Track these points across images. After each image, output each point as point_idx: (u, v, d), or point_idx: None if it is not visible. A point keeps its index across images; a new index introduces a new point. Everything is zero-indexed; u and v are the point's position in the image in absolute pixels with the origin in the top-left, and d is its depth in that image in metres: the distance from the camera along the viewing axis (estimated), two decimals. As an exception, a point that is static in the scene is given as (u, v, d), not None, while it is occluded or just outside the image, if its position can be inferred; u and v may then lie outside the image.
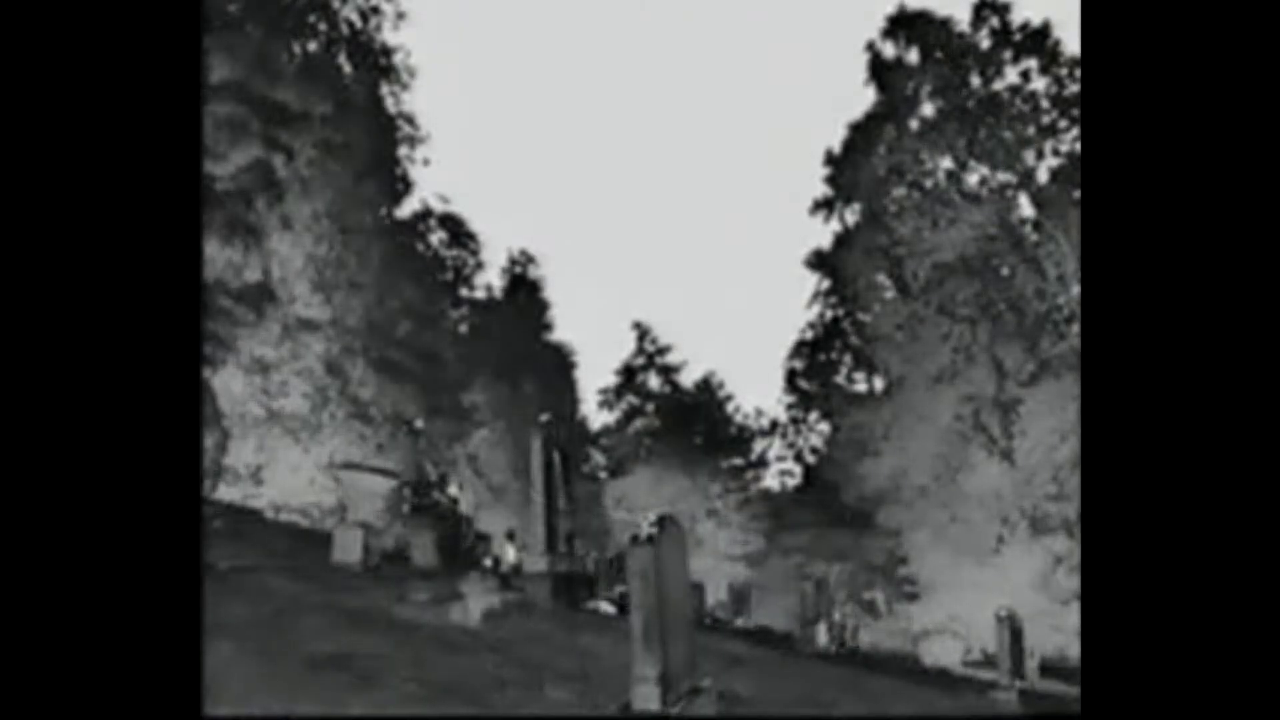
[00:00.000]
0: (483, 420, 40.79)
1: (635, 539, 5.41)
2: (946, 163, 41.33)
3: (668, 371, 53.55)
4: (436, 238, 47.29)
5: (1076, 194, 34.64)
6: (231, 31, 29.15)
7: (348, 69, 37.32)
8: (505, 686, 7.07)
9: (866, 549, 37.41)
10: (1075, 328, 33.72)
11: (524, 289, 51.40)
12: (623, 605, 15.43)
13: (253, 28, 31.75)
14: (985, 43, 41.11)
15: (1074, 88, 38.17)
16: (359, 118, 35.06)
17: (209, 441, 22.60)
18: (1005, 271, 38.31)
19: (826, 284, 43.09)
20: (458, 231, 48.25)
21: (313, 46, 36.71)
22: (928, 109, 41.44)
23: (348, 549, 15.68)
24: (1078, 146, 36.39)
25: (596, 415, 53.86)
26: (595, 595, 16.29)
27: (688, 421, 52.07)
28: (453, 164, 74.61)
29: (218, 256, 27.47)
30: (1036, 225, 38.59)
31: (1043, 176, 40.13)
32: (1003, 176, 40.71)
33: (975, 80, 40.96)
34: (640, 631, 5.35)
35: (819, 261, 42.54)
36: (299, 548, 17.00)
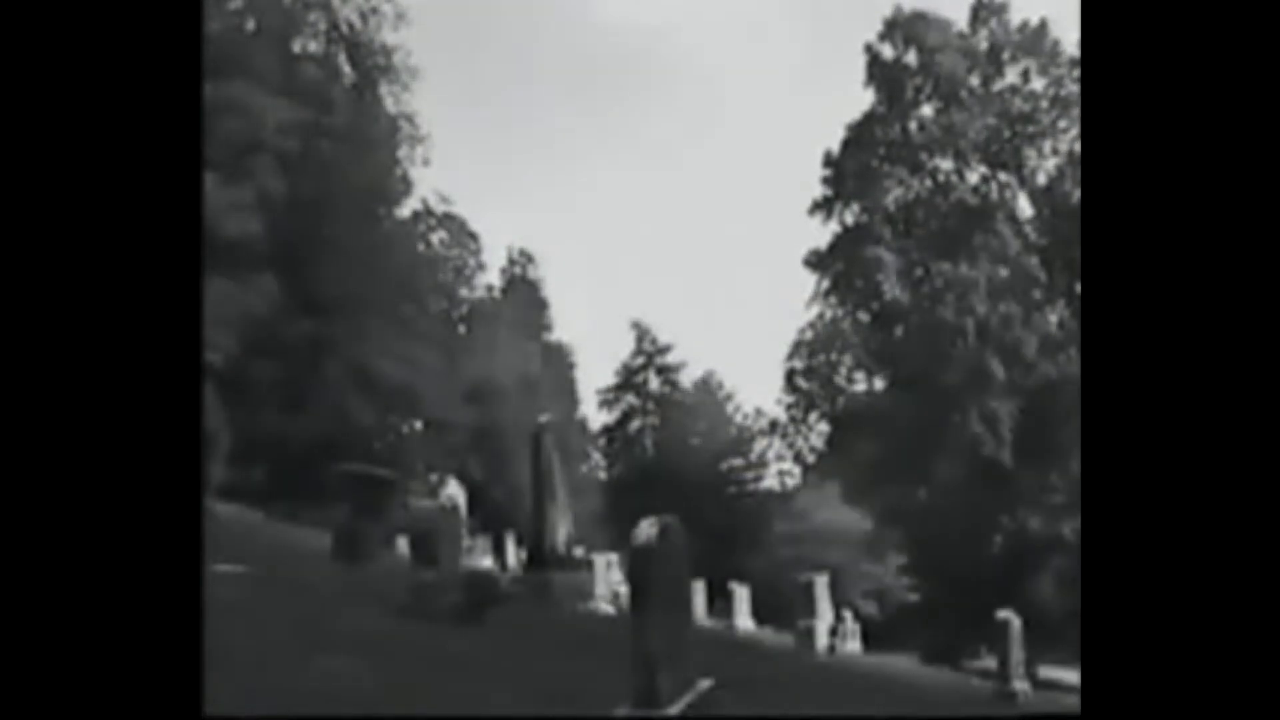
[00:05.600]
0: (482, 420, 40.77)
1: (635, 540, 5.40)
2: (947, 163, 41.32)
3: (667, 371, 53.50)
4: (437, 238, 47.31)
5: (1077, 193, 34.62)
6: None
7: (347, 69, 37.32)
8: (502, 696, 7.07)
9: (866, 549, 37.39)
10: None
11: (523, 288, 51.41)
12: (621, 606, 15.42)
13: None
14: (983, 43, 41.12)
15: (1073, 87, 38.15)
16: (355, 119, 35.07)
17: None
18: (1005, 273, 38.28)
19: (826, 284, 42.99)
20: (458, 231, 48.28)
21: (313, 46, 36.73)
22: (927, 109, 41.43)
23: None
24: (1077, 146, 36.36)
25: (596, 415, 53.90)
26: (594, 596, 16.27)
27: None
28: (453, 164, 74.48)
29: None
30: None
31: (1042, 177, 40.15)
32: (1002, 176, 40.74)
33: (974, 80, 40.96)
34: (639, 632, 5.34)
35: (819, 261, 42.44)
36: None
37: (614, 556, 18.30)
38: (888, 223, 41.91)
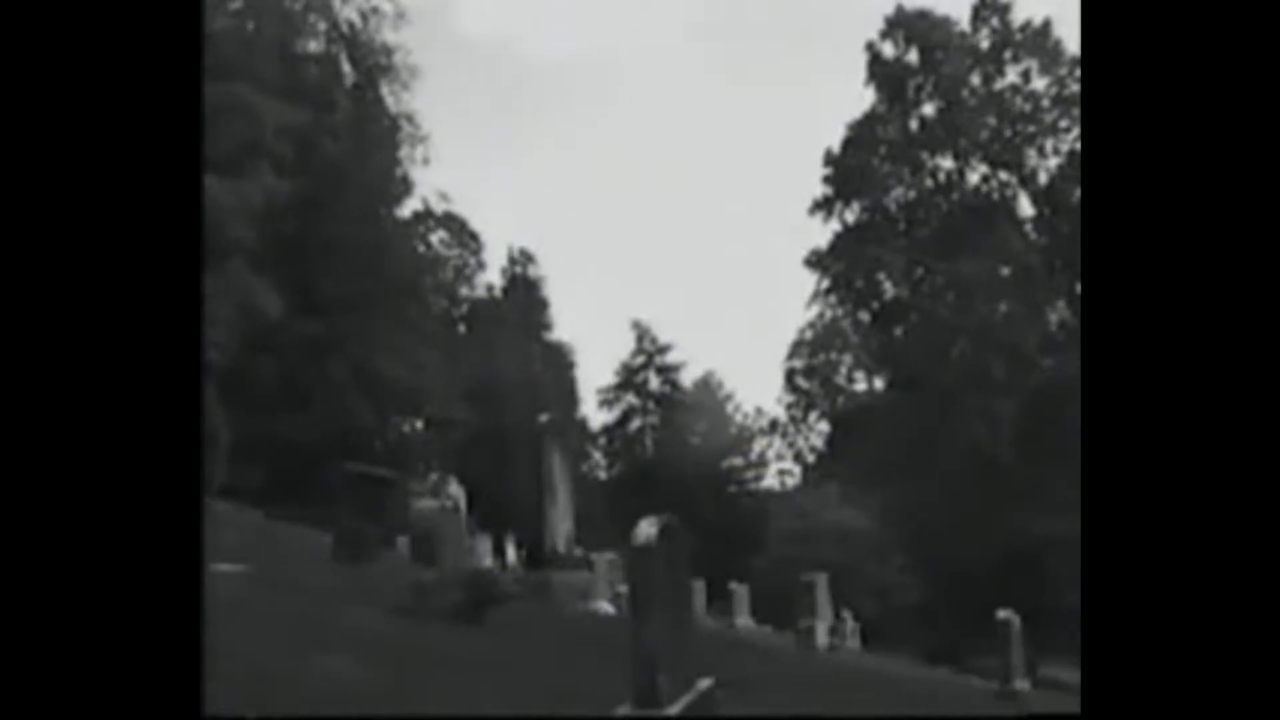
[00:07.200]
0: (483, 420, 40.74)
1: (635, 540, 5.39)
2: (948, 162, 41.29)
3: (667, 371, 53.48)
4: (437, 237, 47.31)
5: (1078, 193, 34.59)
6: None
7: (348, 69, 37.34)
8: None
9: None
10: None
11: (523, 288, 51.36)
12: (621, 606, 15.42)
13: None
14: (985, 42, 41.09)
15: (1075, 87, 38.12)
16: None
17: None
18: (1006, 272, 38.25)
19: (826, 284, 42.99)
20: (458, 231, 48.26)
21: (313, 46, 36.74)
22: (928, 109, 41.40)
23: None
24: (1078, 146, 36.34)
25: (596, 415, 53.90)
26: (594, 596, 16.27)
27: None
28: (453, 164, 74.30)
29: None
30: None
31: (1043, 176, 40.11)
32: (1004, 175, 40.71)
33: (975, 79, 40.93)
34: (639, 632, 5.34)
35: (819, 261, 42.42)
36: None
37: (614, 556, 18.30)
38: (888, 222, 41.89)
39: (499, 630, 9.71)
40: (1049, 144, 40.05)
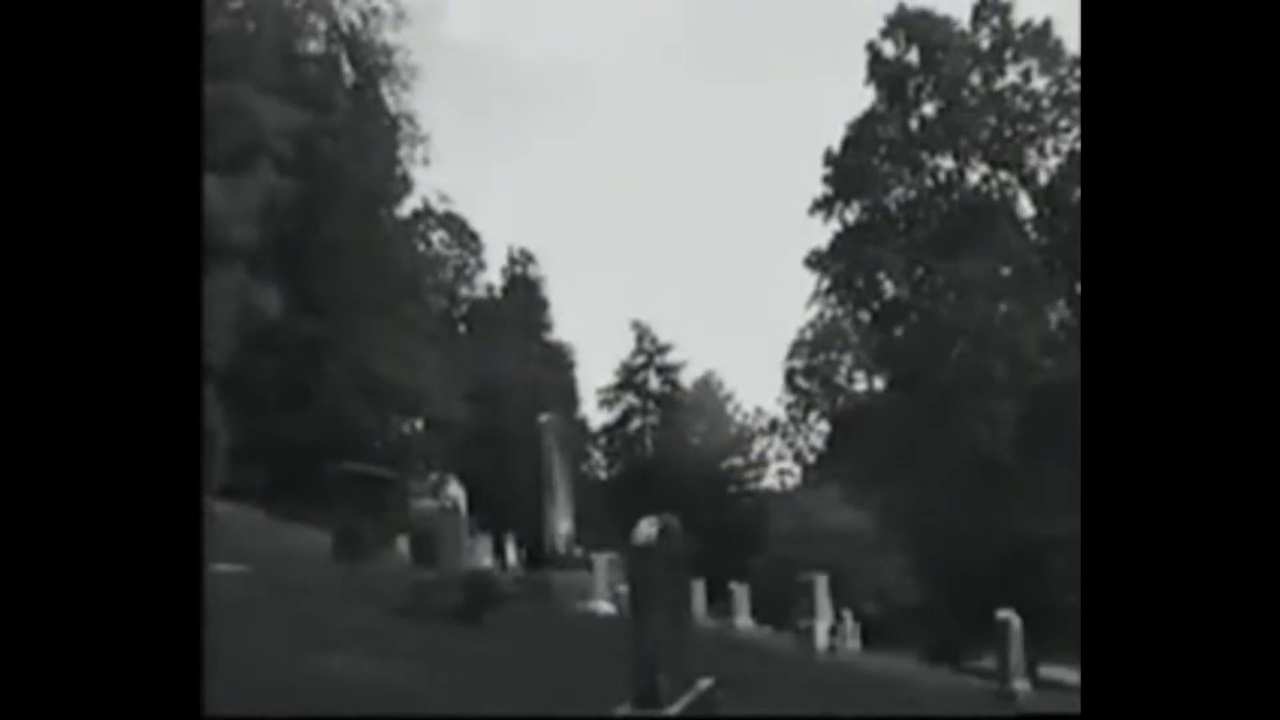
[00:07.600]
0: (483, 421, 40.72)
1: (635, 540, 5.40)
2: (948, 162, 41.28)
3: (667, 371, 53.48)
4: (437, 237, 47.36)
5: (1078, 193, 34.57)
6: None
7: (348, 69, 37.33)
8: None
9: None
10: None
11: (523, 288, 51.38)
12: (621, 606, 15.41)
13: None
14: (985, 42, 41.07)
15: (1075, 87, 38.11)
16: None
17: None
18: (1007, 271, 38.24)
19: (826, 284, 42.97)
20: (458, 231, 48.32)
21: (313, 46, 36.73)
22: (928, 108, 41.39)
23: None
24: (1078, 146, 36.32)
25: (596, 415, 53.91)
26: (594, 596, 16.27)
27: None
28: (453, 164, 74.23)
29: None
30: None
31: (1043, 176, 40.10)
32: (1004, 175, 40.69)
33: (976, 79, 40.91)
34: (639, 632, 5.34)
35: (819, 261, 42.41)
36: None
37: (614, 556, 18.28)
38: (888, 222, 41.88)
39: (499, 630, 9.71)
40: (1049, 144, 40.03)
